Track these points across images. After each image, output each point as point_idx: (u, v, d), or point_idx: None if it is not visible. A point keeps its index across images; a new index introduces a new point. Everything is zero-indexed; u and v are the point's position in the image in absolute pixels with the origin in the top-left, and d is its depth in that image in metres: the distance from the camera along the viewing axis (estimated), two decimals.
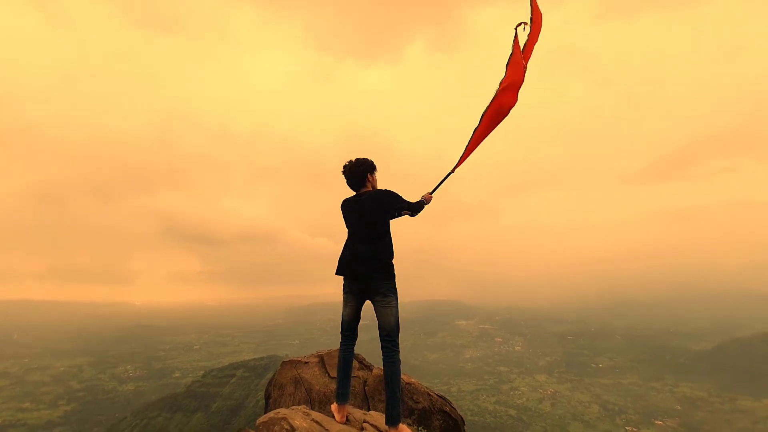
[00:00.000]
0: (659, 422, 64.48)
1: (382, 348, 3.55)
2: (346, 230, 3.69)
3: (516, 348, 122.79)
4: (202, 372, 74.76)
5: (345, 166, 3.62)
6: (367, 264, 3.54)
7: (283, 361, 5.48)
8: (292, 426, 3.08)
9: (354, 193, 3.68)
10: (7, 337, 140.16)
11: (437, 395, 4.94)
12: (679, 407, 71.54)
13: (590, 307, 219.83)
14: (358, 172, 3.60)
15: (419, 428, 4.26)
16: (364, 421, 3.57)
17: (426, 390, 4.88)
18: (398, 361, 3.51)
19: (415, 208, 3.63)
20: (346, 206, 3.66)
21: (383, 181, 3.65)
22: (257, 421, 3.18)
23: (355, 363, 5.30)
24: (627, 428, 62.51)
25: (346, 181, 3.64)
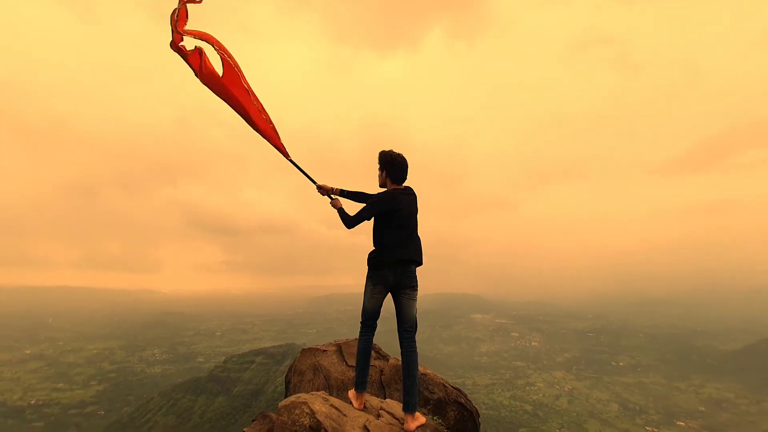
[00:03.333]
0: (681, 423, 62.72)
1: (402, 339, 3.56)
2: (394, 222, 3.59)
3: (533, 343, 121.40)
4: (224, 357, 77.62)
5: (401, 156, 3.56)
6: (420, 255, 3.58)
7: (303, 349, 5.66)
8: (312, 410, 3.21)
9: (386, 184, 3.62)
10: (43, 321, 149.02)
11: (453, 387, 5.01)
12: (703, 408, 69.31)
13: (612, 304, 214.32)
14: (408, 166, 3.61)
15: (434, 418, 4.34)
16: (380, 409, 3.67)
17: (441, 381, 4.95)
18: (417, 351, 3.56)
19: None
20: (403, 198, 3.59)
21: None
22: (279, 404, 3.33)
23: (372, 353, 5.44)
24: (647, 428, 61.07)
25: (396, 170, 3.56)
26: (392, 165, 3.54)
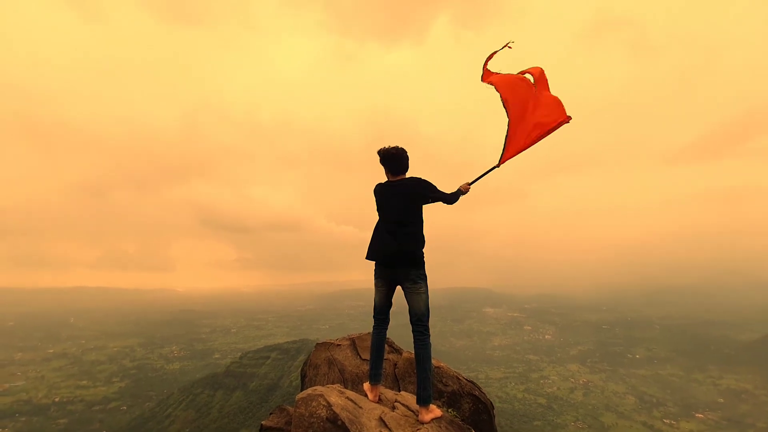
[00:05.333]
0: (700, 415, 61.74)
1: (413, 332, 3.60)
2: (378, 215, 3.66)
3: (546, 337, 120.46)
4: (240, 354, 79.16)
5: (393, 149, 3.55)
6: (399, 251, 3.48)
7: (317, 343, 5.77)
8: (328, 402, 3.29)
9: (386, 177, 3.67)
10: (65, 321, 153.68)
11: (466, 380, 5.05)
12: (722, 400, 68.07)
13: (627, 295, 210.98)
14: (404, 157, 3.57)
15: (449, 410, 4.38)
16: (395, 401, 3.73)
17: (455, 374, 5.00)
18: (429, 344, 3.58)
19: (449, 199, 3.65)
20: (381, 191, 3.63)
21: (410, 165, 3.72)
22: (297, 397, 3.41)
23: (385, 346, 5.52)
24: (665, 421, 60.26)
25: (388, 164, 3.58)
26: (384, 159, 3.60)
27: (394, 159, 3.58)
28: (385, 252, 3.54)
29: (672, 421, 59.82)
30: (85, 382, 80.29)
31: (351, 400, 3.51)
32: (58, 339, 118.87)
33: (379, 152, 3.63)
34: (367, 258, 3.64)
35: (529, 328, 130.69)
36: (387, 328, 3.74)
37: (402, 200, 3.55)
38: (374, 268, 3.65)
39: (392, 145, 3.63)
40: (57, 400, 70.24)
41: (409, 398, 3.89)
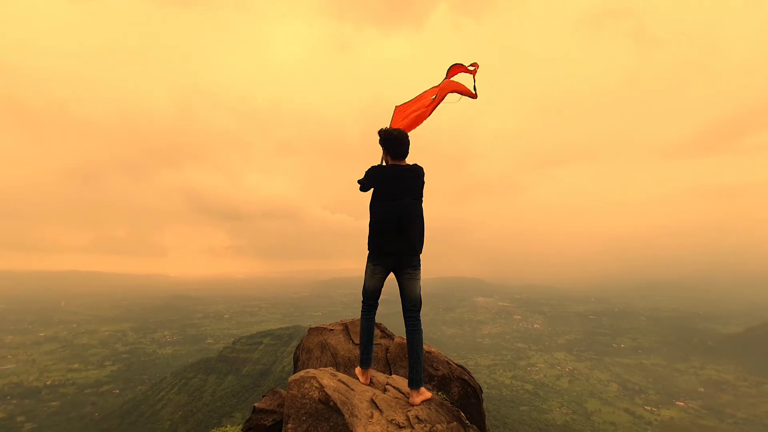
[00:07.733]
0: (681, 404, 63.86)
1: (406, 318, 3.59)
2: (382, 200, 3.50)
3: (535, 326, 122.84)
4: (233, 339, 79.65)
5: (396, 131, 3.48)
6: (409, 237, 3.46)
7: (310, 328, 5.84)
8: (321, 384, 3.36)
9: (384, 161, 3.57)
10: (56, 305, 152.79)
11: (456, 364, 5.17)
12: (702, 389, 70.40)
13: (616, 288, 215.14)
14: (407, 141, 3.49)
15: (438, 393, 4.49)
16: (387, 384, 3.81)
17: (446, 359, 5.11)
18: (421, 330, 3.62)
19: None
20: (388, 174, 3.48)
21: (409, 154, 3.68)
22: (289, 379, 3.47)
23: (377, 332, 5.60)
24: (646, 408, 62.32)
25: (392, 146, 3.48)
26: (388, 141, 3.50)
27: (400, 142, 3.48)
28: (398, 239, 3.48)
29: (653, 408, 61.85)
30: (76, 365, 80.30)
31: (343, 383, 3.58)
32: (49, 322, 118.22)
33: (382, 132, 3.51)
34: (373, 247, 3.52)
35: (519, 317, 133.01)
36: (375, 314, 3.77)
37: (413, 187, 3.50)
38: (371, 253, 3.56)
39: (398, 129, 3.57)
40: (48, 383, 70.22)
41: (400, 381, 3.97)
